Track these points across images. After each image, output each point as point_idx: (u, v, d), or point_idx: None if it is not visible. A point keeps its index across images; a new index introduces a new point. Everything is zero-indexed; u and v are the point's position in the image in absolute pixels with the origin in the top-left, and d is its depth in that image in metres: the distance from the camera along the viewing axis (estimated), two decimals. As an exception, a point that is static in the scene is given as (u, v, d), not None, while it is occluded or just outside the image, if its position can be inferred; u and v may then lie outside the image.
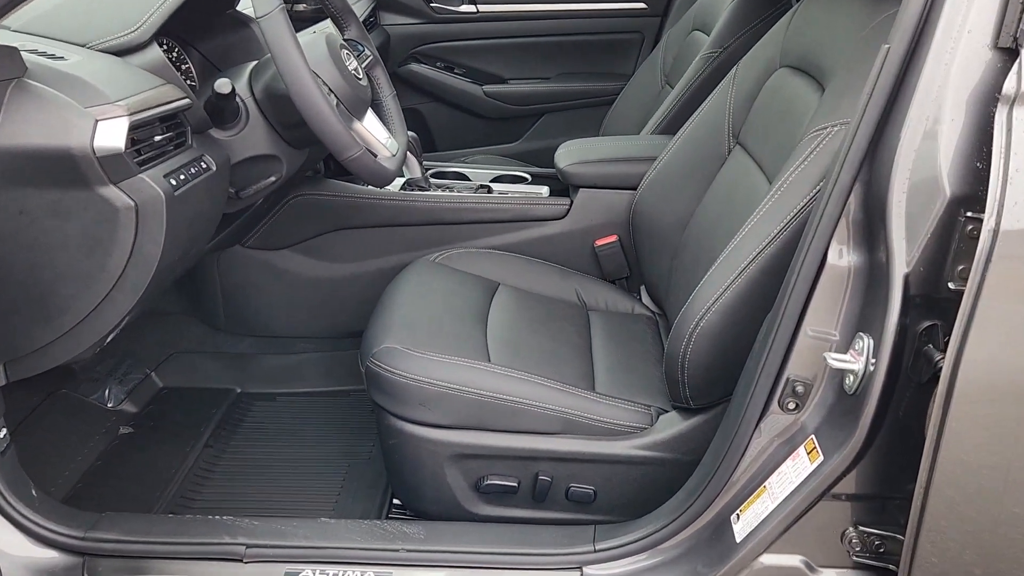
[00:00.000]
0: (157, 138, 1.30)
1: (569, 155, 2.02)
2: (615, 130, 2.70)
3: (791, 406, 1.17)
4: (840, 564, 1.18)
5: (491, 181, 2.22)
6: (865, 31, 1.32)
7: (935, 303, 1.03)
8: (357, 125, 1.59)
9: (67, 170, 1.17)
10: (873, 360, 1.06)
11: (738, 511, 1.22)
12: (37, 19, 1.39)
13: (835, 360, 1.09)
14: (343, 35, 1.72)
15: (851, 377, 1.10)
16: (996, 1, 0.97)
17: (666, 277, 1.78)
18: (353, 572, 1.27)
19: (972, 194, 1.00)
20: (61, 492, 1.66)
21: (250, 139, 1.52)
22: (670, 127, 2.14)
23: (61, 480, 1.69)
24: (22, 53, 1.19)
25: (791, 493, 1.14)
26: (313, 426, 1.89)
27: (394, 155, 1.64)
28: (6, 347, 1.28)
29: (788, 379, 1.16)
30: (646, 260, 1.88)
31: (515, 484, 1.41)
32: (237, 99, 1.50)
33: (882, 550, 1.15)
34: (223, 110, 1.49)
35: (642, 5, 3.07)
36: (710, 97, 1.84)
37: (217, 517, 1.38)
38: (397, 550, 1.31)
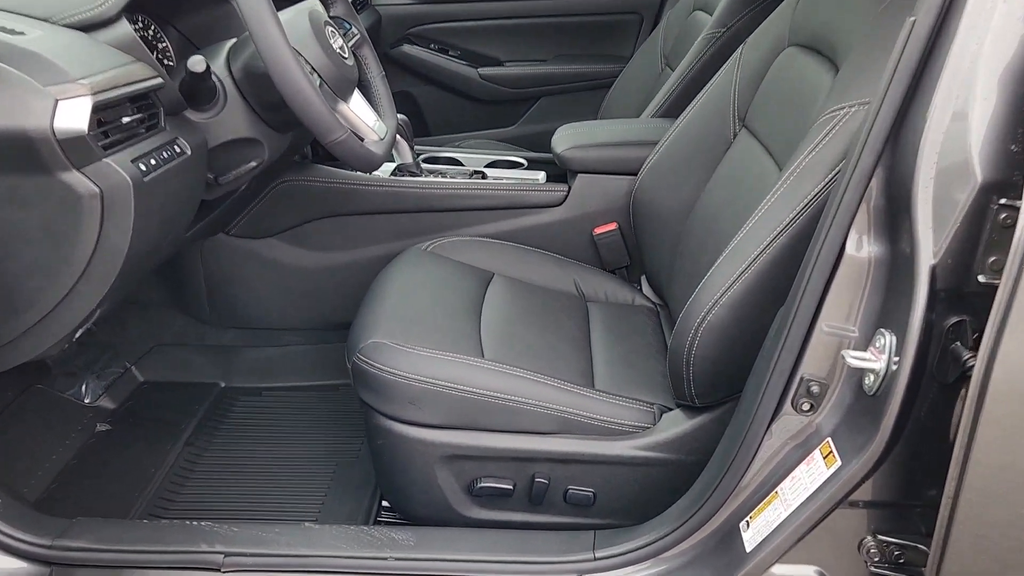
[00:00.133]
0: (125, 120, 1.21)
1: (567, 139, 1.95)
2: (613, 114, 2.64)
3: (805, 407, 1.10)
4: (857, 575, 1.11)
5: (485, 167, 2.15)
6: (884, 4, 1.24)
7: (964, 297, 0.96)
8: (342, 107, 1.50)
9: (25, 154, 1.09)
10: (896, 358, 0.99)
11: (748, 518, 1.16)
12: (-4, -9, 1.30)
13: (854, 358, 1.02)
14: (328, 12, 1.63)
15: (871, 377, 1.03)
16: (1035, -32, 0.89)
17: (668, 266, 1.72)
18: (337, 582, 1.21)
19: (1006, 180, 0.92)
20: (34, 493, 1.60)
21: (228, 122, 1.44)
22: (671, 110, 2.08)
23: (34, 481, 1.62)
24: (-24, 27, 1.11)
25: (806, 500, 1.07)
26: (300, 422, 1.83)
27: (382, 139, 1.56)
28: (-31, 343, 1.20)
29: (802, 378, 1.09)
30: (647, 249, 1.82)
31: (510, 486, 1.35)
32: (213, 78, 1.42)
33: (902, 560, 1.09)
34: (198, 90, 1.40)
35: (641, -15, 2.99)
36: (714, 79, 1.77)
37: (195, 523, 1.32)
38: (385, 558, 1.25)
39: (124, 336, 1.96)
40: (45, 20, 1.26)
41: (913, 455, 1.04)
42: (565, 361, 1.47)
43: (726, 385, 1.28)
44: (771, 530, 1.10)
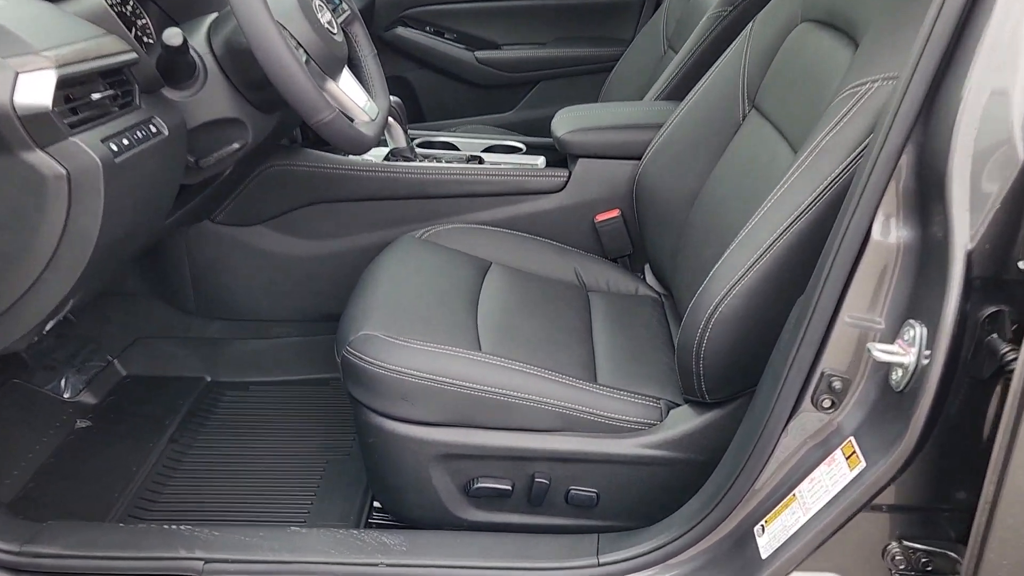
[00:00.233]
0: (95, 96, 1.13)
1: (567, 122, 1.89)
2: (614, 98, 2.57)
3: (826, 404, 1.03)
4: (880, 583, 1.04)
5: (482, 151, 2.08)
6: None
7: (1002, 286, 0.89)
8: (331, 85, 1.42)
9: (-16, 132, 1.01)
10: (927, 352, 0.91)
11: (763, 522, 1.09)
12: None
13: (881, 352, 0.94)
14: (316, -14, 1.54)
15: (899, 371, 0.95)
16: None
17: (673, 255, 1.66)
18: (325, 590, 1.14)
19: (1051, 159, 0.84)
20: (10, 493, 1.53)
21: (209, 101, 1.36)
22: (675, 93, 2.02)
23: (10, 480, 1.56)
24: (-68, -5, 1.03)
25: (827, 504, 1.00)
26: (289, 418, 1.77)
27: (373, 120, 1.48)
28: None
29: (823, 373, 1.02)
30: (651, 236, 1.75)
31: (509, 487, 1.29)
32: (192, 54, 1.33)
33: (929, 568, 1.02)
34: (176, 66, 1.32)
35: (643, -34, 2.92)
36: (722, 58, 1.70)
37: (173, 527, 1.25)
38: (376, 564, 1.18)
39: (106, 328, 1.90)
40: (9, -10, 1.18)
41: (942, 456, 0.97)
42: (566, 354, 1.41)
43: (739, 380, 1.22)
44: (789, 536, 1.03)
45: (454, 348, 1.30)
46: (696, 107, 1.69)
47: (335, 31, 1.44)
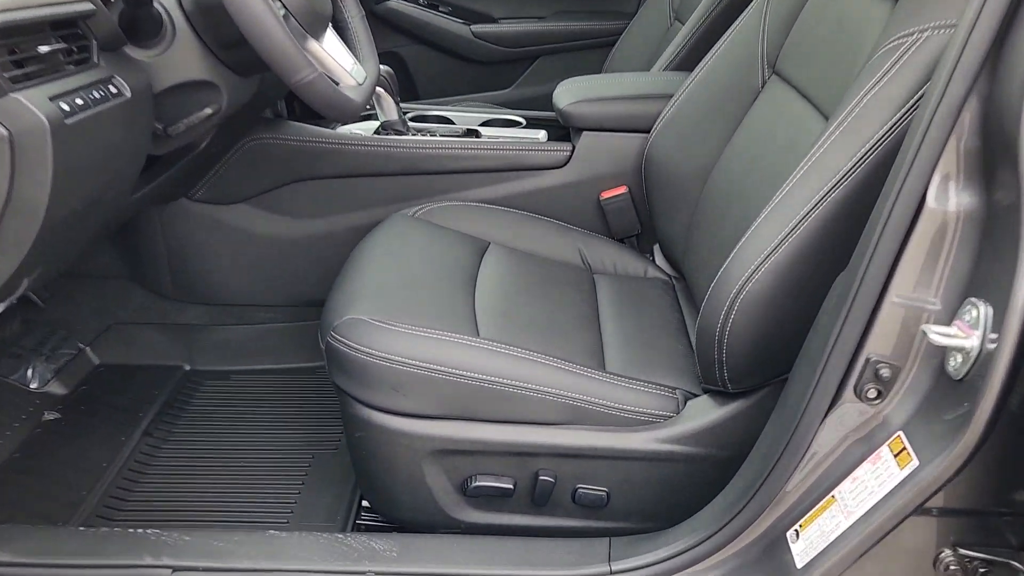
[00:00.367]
0: (43, 49, 1.00)
1: (571, 93, 1.79)
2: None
3: (871, 394, 0.92)
4: (931, 596, 0.93)
5: (480, 125, 1.95)
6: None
7: (1083, 258, 0.77)
8: (312, 45, 1.30)
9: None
10: (993, 336, 0.80)
11: (797, 526, 0.98)
12: None
13: (939, 335, 0.83)
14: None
15: (958, 357, 0.84)
16: None
17: (685, 234, 1.56)
18: (306, 603, 1.06)
19: None
20: (-33, 492, 1.41)
21: (178, 61, 1.24)
22: (685, 63, 1.95)
23: (-31, 478, 1.44)
24: None
25: (873, 507, 0.89)
26: (272, 409, 1.68)
27: (360, 84, 1.36)
28: None
29: (868, 359, 0.91)
30: (661, 214, 1.65)
31: (510, 485, 1.20)
32: (157, 7, 1.21)
33: (987, 578, 0.90)
34: (139, 21, 1.20)
35: (647, -67, 2.80)
36: (737, 22, 1.61)
37: (140, 531, 1.15)
38: (363, 572, 1.08)
39: (77, 314, 1.82)
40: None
41: (1005, 453, 0.86)
42: (572, 340, 1.31)
43: (766, 368, 1.12)
44: (828, 542, 0.93)
45: (449, 333, 1.21)
46: (710, 75, 1.60)
47: (318, -14, 1.32)
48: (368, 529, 1.37)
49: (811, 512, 0.96)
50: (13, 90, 0.94)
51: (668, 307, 1.51)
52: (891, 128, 0.97)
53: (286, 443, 1.58)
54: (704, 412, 1.17)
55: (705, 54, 1.63)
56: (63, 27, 1.06)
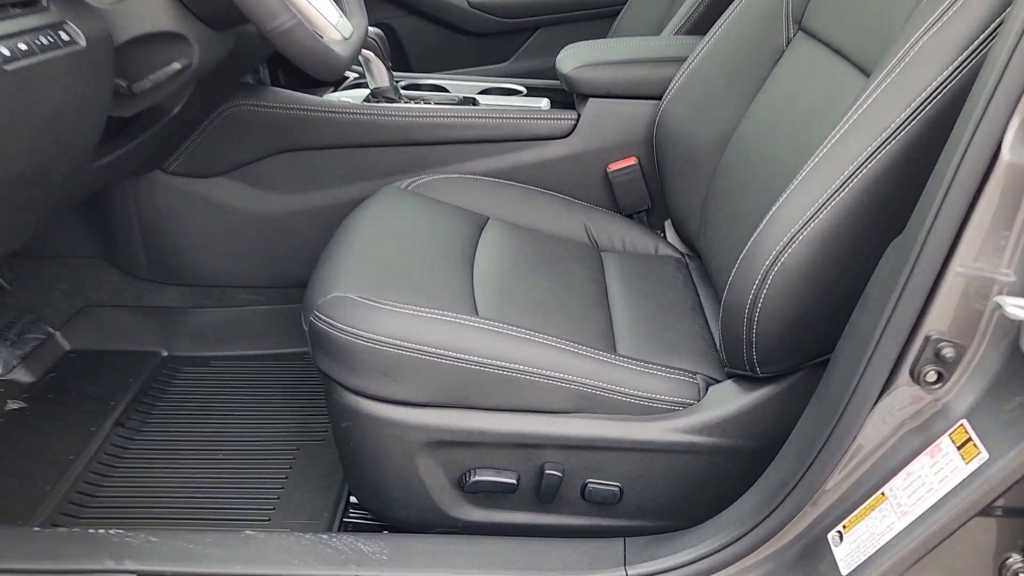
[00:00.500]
0: (-19, -15, 0.89)
1: (576, 57, 1.71)
2: (624, 43, 2.35)
3: (931, 377, 0.82)
4: (995, 606, 0.83)
5: (478, 94, 1.85)
6: None
7: None
8: (294, -8, 1.18)
9: None
10: (1081, 308, 0.69)
11: (840, 527, 0.88)
12: None
13: (1015, 307, 0.72)
14: None
15: (1036, 334, 0.73)
16: None
17: (700, 208, 1.48)
18: (284, 612, 0.98)
19: None
20: (-81, 488, 1.33)
21: (142, 9, 1.14)
22: (697, 28, 1.86)
23: (-78, 472, 1.35)
24: None
25: (933, 506, 0.79)
26: (254, 397, 1.62)
27: (347, 39, 1.24)
28: None
29: (928, 338, 0.81)
30: (674, 187, 1.56)
31: (513, 480, 1.13)
32: (117, -54, 1.09)
33: (1059, 587, 0.80)
34: (97, -39, 1.07)
35: None
36: None
37: (101, 531, 1.08)
38: None
39: (45, 296, 1.74)
40: None
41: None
42: (579, 320, 1.23)
43: (802, 349, 1.02)
44: (878, 546, 0.83)
45: (445, 312, 1.13)
46: (727, 36, 1.52)
47: (300, -70, 1.20)
48: (356, 528, 1.30)
49: (858, 511, 0.86)
50: (-58, 28, 0.82)
51: (682, 286, 1.42)
52: (953, 72, 0.87)
53: (269, 434, 1.51)
54: (729, 399, 1.08)
55: (719, 16, 1.55)
56: (6, -37, 0.94)
